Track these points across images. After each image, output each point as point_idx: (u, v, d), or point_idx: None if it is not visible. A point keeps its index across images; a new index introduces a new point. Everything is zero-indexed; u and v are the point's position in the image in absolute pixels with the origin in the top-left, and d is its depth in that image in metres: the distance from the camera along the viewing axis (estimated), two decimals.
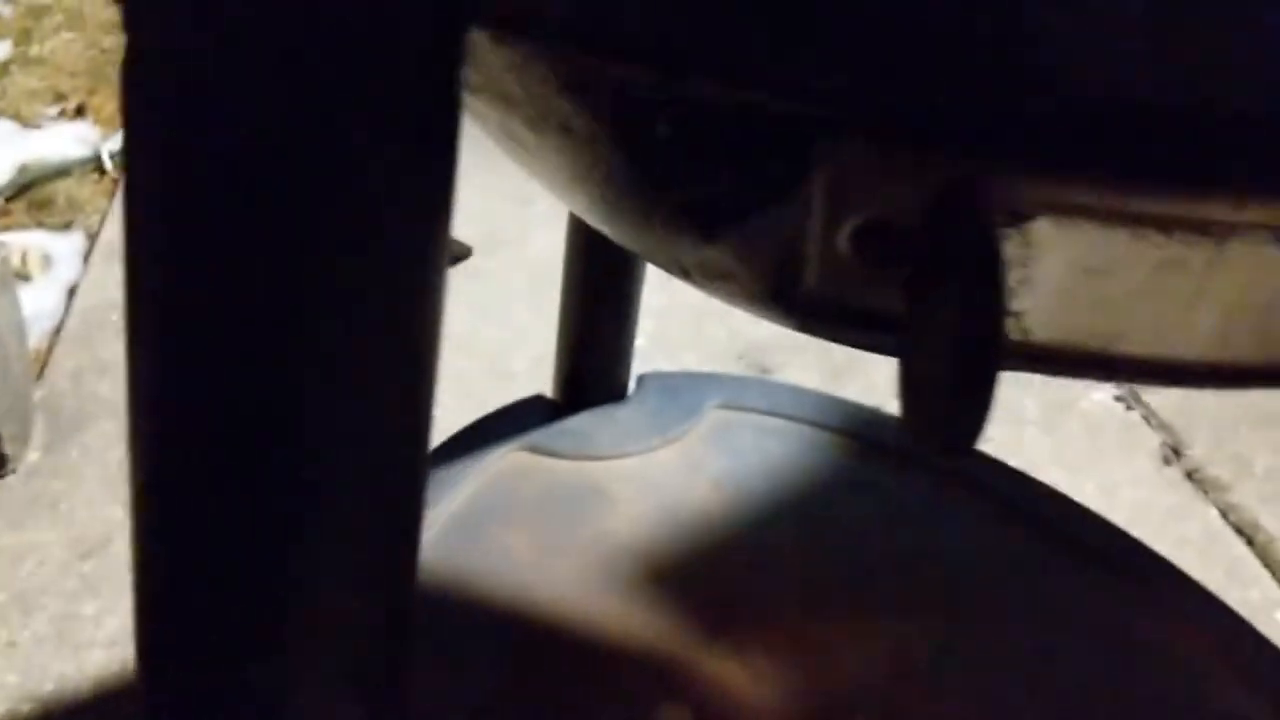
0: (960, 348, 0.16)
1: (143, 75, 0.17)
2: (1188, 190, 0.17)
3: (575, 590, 0.60)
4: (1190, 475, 0.98)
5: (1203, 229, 0.17)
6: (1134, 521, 0.89)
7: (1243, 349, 0.19)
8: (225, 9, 0.15)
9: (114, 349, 1.06)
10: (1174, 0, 0.16)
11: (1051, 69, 0.16)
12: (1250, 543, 0.90)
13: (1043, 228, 0.18)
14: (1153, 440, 1.02)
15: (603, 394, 0.73)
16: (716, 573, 0.62)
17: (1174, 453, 1.00)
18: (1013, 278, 0.18)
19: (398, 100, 0.17)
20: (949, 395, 0.17)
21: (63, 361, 1.06)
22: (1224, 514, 0.93)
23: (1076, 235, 0.18)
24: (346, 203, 0.17)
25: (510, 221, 1.35)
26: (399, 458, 0.21)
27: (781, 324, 0.25)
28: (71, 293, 1.18)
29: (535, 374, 1.04)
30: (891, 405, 1.03)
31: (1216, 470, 0.98)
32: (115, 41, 1.72)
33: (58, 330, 1.11)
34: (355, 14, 0.16)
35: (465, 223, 1.35)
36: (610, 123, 0.21)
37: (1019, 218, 0.18)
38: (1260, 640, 0.60)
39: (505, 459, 0.68)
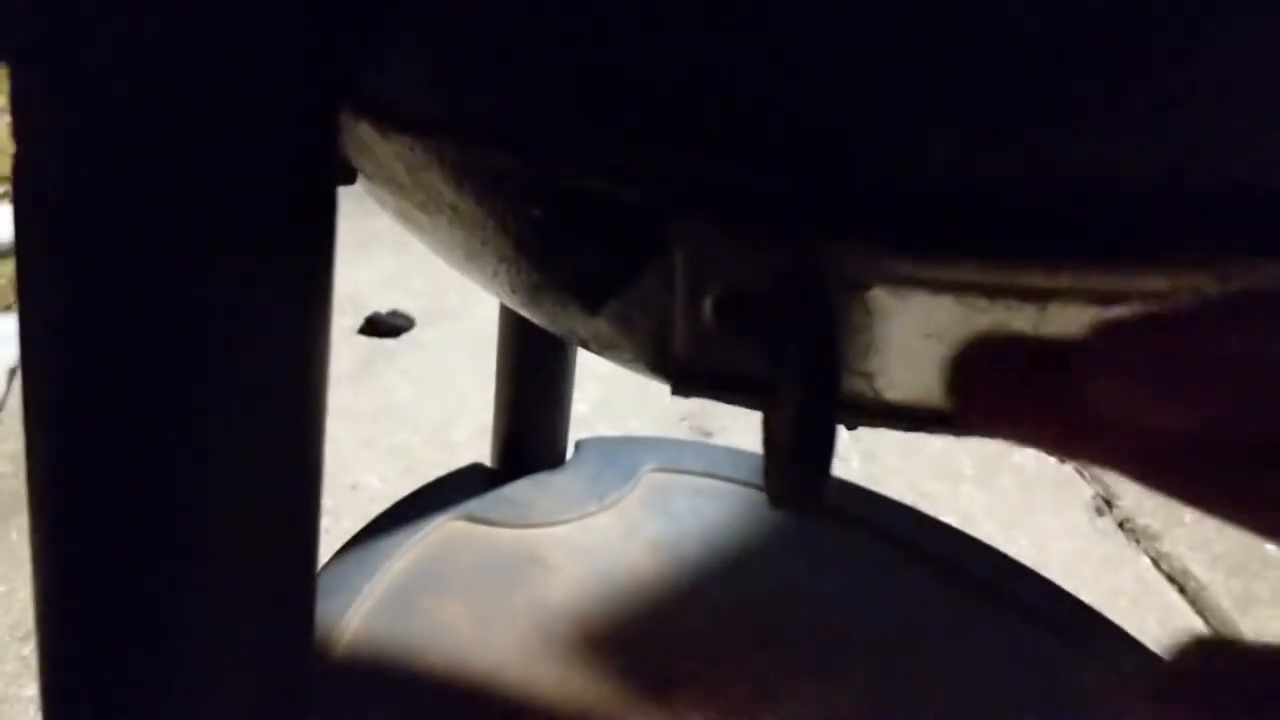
0: (800, 409, 0.18)
1: (26, 172, 0.18)
2: (1004, 261, 0.18)
3: (513, 658, 0.60)
4: (1122, 525, 1.00)
5: (1023, 294, 0.19)
6: (1068, 571, 0.91)
7: None
8: (99, 102, 0.17)
9: None
10: (985, 87, 0.18)
11: (873, 157, 0.18)
12: (1182, 590, 0.92)
13: (881, 296, 0.19)
14: (1085, 492, 1.04)
15: (541, 461, 0.74)
16: (653, 636, 0.62)
17: (1106, 504, 1.02)
18: (860, 342, 0.20)
19: (270, 186, 0.18)
20: (793, 452, 0.18)
21: (3, 443, 1.06)
22: (1155, 562, 0.95)
23: (912, 302, 0.19)
24: (222, 289, 0.18)
25: (452, 293, 1.36)
26: (288, 537, 0.22)
27: (670, 390, 0.27)
28: (13, 374, 1.17)
29: (477, 443, 1.05)
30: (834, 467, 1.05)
31: (1147, 520, 1.00)
32: None
33: None
34: (229, 103, 0.18)
35: (408, 295, 1.36)
36: (490, 208, 0.23)
37: (857, 287, 0.19)
38: None
39: (442, 529, 0.68)
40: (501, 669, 0.59)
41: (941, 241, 0.19)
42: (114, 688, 0.22)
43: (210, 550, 0.21)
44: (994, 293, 0.19)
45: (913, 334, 0.20)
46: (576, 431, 0.74)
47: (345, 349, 1.25)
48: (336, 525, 0.92)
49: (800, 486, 0.18)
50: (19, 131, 0.17)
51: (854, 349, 0.20)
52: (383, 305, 1.33)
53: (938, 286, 0.19)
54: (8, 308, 1.30)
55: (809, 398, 0.18)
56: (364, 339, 1.28)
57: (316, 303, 0.20)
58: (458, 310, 1.33)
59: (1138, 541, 0.98)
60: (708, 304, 0.21)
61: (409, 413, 1.12)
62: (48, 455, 0.21)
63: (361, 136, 0.23)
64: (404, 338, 1.28)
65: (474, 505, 0.70)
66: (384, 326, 1.28)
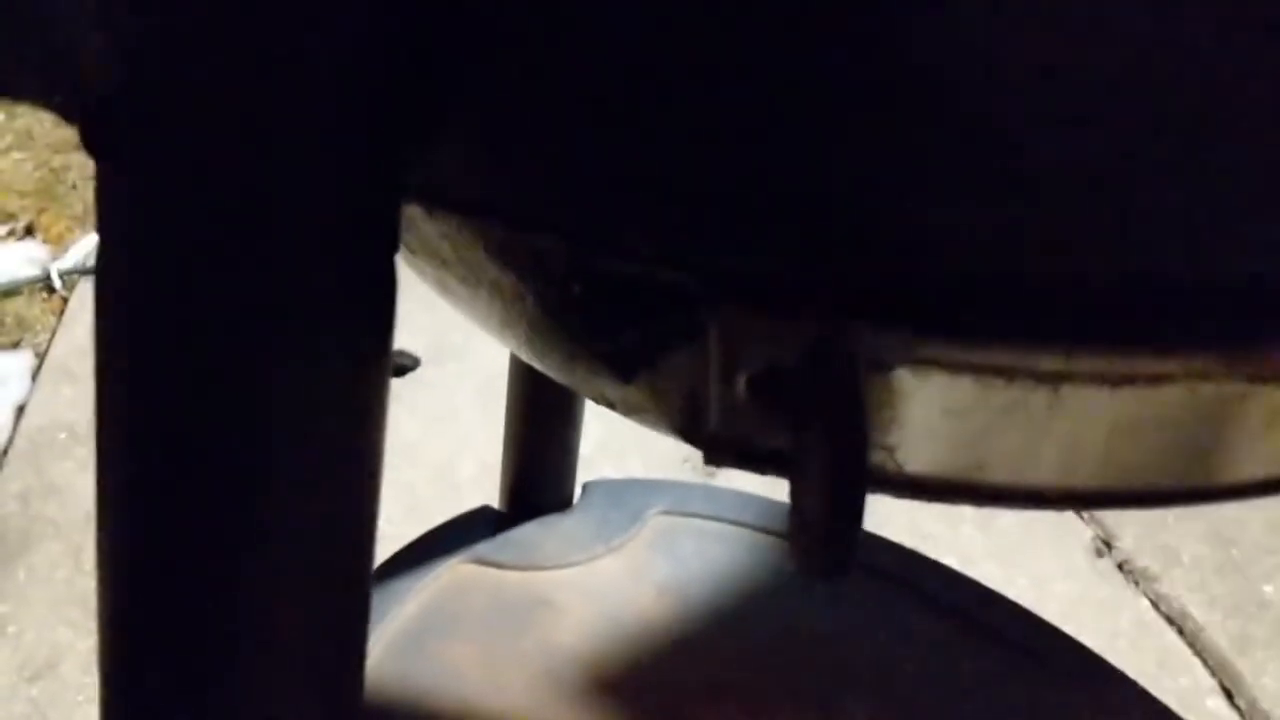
0: (830, 481, 0.19)
1: (111, 268, 0.19)
2: (1018, 345, 0.20)
3: (522, 702, 0.61)
4: (1121, 567, 1.01)
5: (1038, 377, 0.20)
6: (1067, 613, 0.91)
7: (1086, 477, 0.22)
8: (185, 207, 0.18)
9: (62, 469, 1.07)
10: (1003, 179, 0.19)
11: (893, 247, 0.19)
12: (1180, 631, 0.93)
13: (903, 375, 0.20)
14: (1084, 534, 1.05)
15: (548, 503, 0.74)
16: (661, 679, 0.63)
17: (1105, 545, 1.03)
18: (883, 418, 0.21)
19: (342, 275, 0.19)
20: (823, 523, 0.19)
21: (9, 483, 1.06)
22: (1154, 604, 0.96)
23: (932, 382, 0.21)
24: (297, 370, 0.19)
25: (457, 333, 1.37)
26: (344, 574, 0.23)
27: (703, 460, 0.28)
28: (19, 412, 1.18)
29: (482, 482, 1.06)
30: None
31: (1146, 561, 1.01)
32: (64, 161, 1.74)
33: (5, 451, 1.11)
34: (304, 197, 0.19)
35: (413, 334, 1.37)
36: (531, 283, 0.24)
37: (883, 367, 0.20)
38: None
39: (451, 572, 0.69)
40: (511, 712, 0.60)
41: (958, 326, 0.20)
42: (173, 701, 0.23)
43: (272, 583, 0.22)
44: (1009, 374, 0.20)
45: (934, 411, 0.21)
46: (579, 472, 0.75)
47: None
48: None
49: (829, 557, 0.19)
50: (103, 228, 0.19)
51: (878, 424, 0.21)
52: None
53: (955, 367, 0.20)
54: (15, 345, 1.31)
55: (837, 473, 0.19)
56: None
57: (376, 376, 0.22)
58: (462, 349, 1.34)
59: (1136, 583, 0.99)
60: (740, 380, 0.22)
61: (414, 452, 1.13)
62: (119, 512, 0.22)
63: (408, 214, 0.24)
64: (409, 377, 1.30)
65: (482, 548, 0.71)
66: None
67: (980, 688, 0.64)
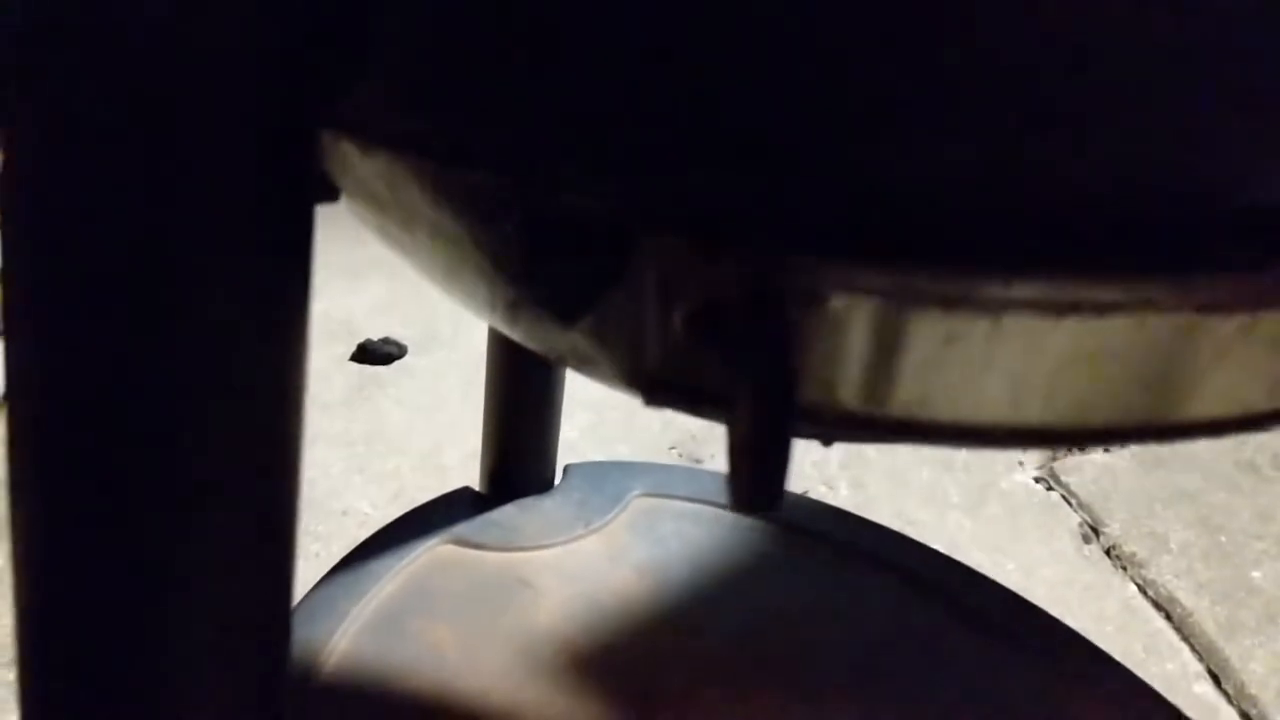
0: (758, 415, 0.18)
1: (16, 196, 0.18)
2: (957, 273, 0.19)
3: (501, 681, 0.60)
4: (1109, 552, 1.00)
5: (979, 306, 0.20)
6: (1055, 599, 0.91)
7: (1031, 413, 0.22)
8: (81, 120, 0.17)
9: None
10: (940, 94, 0.19)
11: (826, 171, 0.19)
12: (1168, 617, 0.93)
13: (839, 307, 0.20)
14: (1072, 519, 1.05)
15: (529, 485, 0.74)
16: (641, 660, 0.62)
17: (1093, 531, 1.02)
18: (821, 353, 0.21)
19: (249, 206, 0.19)
20: (753, 458, 0.19)
21: None
22: (1142, 589, 0.95)
23: (870, 314, 0.20)
24: (198, 301, 0.19)
25: (443, 321, 1.37)
26: (267, 558, 0.23)
27: (643, 402, 0.27)
28: None
29: (468, 469, 1.05)
30: (815, 491, 1.06)
31: (1133, 547, 1.01)
32: None
33: None
34: (208, 121, 0.18)
35: (400, 323, 1.37)
36: (468, 224, 0.23)
37: (819, 299, 0.20)
38: (1177, 716, 0.61)
39: (430, 552, 0.68)
40: (488, 692, 0.59)
41: (895, 251, 0.19)
42: (91, 707, 0.23)
43: (186, 561, 0.21)
44: (948, 304, 0.20)
45: (872, 345, 0.20)
46: (565, 458, 0.75)
47: (337, 376, 1.26)
48: (326, 550, 0.92)
49: (758, 492, 0.19)
50: (7, 148, 0.18)
51: (816, 360, 0.21)
52: (375, 333, 1.34)
53: (893, 297, 0.20)
54: None
55: (766, 406, 0.19)
56: (356, 366, 1.28)
57: (294, 318, 0.21)
58: (449, 338, 1.34)
59: (1124, 568, 0.98)
60: (676, 317, 0.21)
61: (400, 439, 1.13)
62: (28, 462, 0.21)
63: (344, 154, 0.24)
64: (396, 365, 1.29)
65: (462, 529, 0.70)
66: (376, 354, 1.29)
67: (964, 668, 0.63)
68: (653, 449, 1.14)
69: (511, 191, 0.21)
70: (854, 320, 0.20)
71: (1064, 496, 1.08)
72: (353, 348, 1.31)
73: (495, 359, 0.70)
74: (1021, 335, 0.20)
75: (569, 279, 0.22)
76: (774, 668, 0.63)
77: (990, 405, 0.21)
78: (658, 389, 0.23)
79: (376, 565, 0.67)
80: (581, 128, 0.20)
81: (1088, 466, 1.12)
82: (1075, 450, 1.13)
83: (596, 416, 1.17)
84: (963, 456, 1.10)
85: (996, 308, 0.20)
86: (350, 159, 0.24)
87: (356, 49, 0.20)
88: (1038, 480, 1.10)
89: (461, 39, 0.21)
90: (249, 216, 0.19)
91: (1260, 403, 0.23)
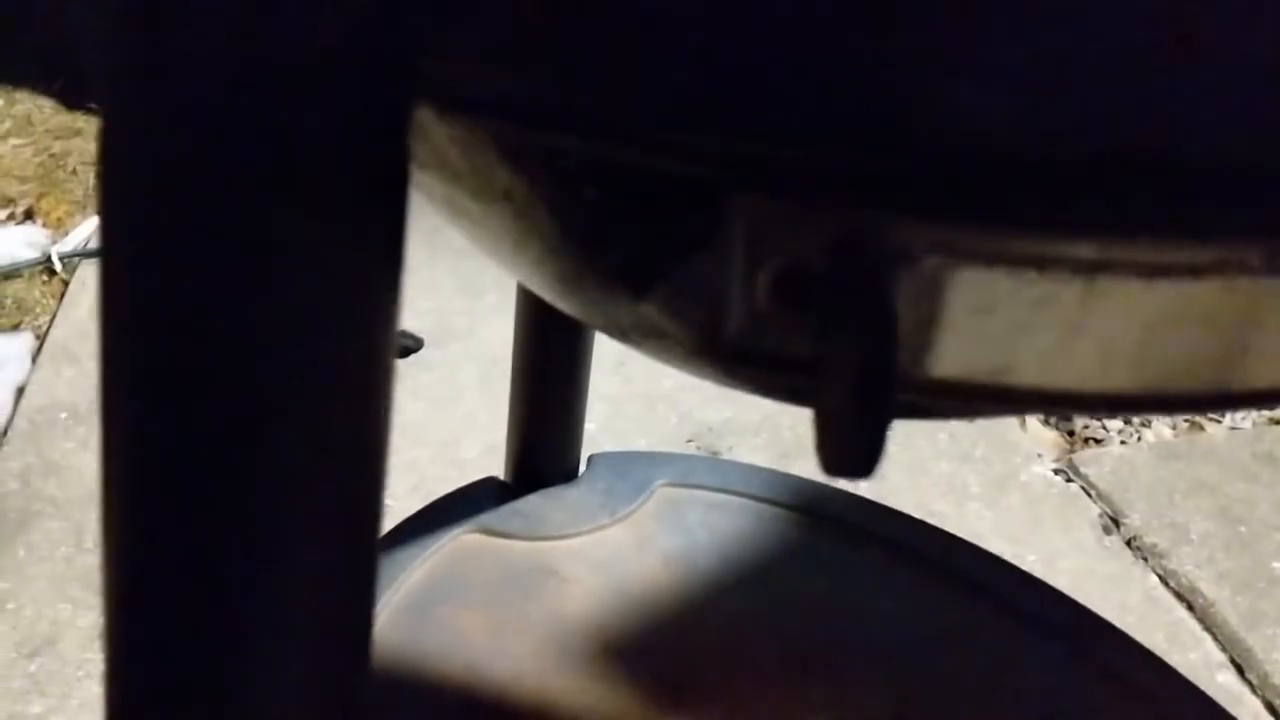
0: (857, 381, 0.18)
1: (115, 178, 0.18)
2: (1051, 233, 0.19)
3: (528, 670, 0.60)
4: (1129, 543, 1.00)
5: (1072, 267, 0.20)
6: (1076, 589, 0.91)
7: (1121, 379, 0.21)
8: (185, 107, 0.17)
9: (61, 449, 1.06)
10: (1044, 59, 0.18)
11: (924, 129, 0.18)
12: (1190, 607, 0.93)
13: (932, 269, 0.20)
14: (1092, 510, 1.05)
15: (554, 475, 0.74)
16: (668, 649, 0.62)
17: (1113, 522, 1.02)
18: (911, 316, 0.21)
19: (349, 183, 0.19)
20: (850, 425, 0.18)
21: (10, 461, 1.06)
22: (1163, 580, 0.95)
23: (961, 275, 0.20)
24: (301, 289, 0.19)
25: (461, 314, 1.37)
26: (352, 544, 0.22)
27: (714, 379, 0.27)
28: (19, 393, 1.18)
29: (486, 462, 1.05)
30: (839, 481, 1.05)
31: (1154, 538, 1.00)
32: (64, 147, 1.74)
33: (5, 431, 1.11)
34: (308, 102, 0.18)
35: (416, 315, 1.37)
36: (545, 191, 0.23)
37: (910, 260, 0.20)
38: (1206, 702, 0.61)
39: (457, 541, 0.68)
40: (518, 679, 0.59)
41: (992, 212, 0.19)
42: (179, 669, 0.22)
43: (275, 530, 0.21)
44: (1041, 264, 0.20)
45: (963, 308, 0.20)
46: (583, 451, 0.74)
47: None
48: None
49: (860, 453, 0.19)
50: (106, 109, 0.18)
51: (905, 323, 0.21)
52: None
53: (989, 259, 0.20)
54: (15, 327, 1.31)
55: (866, 368, 0.18)
56: None
57: (385, 305, 0.21)
58: (465, 331, 1.34)
59: (1145, 559, 0.98)
60: (761, 281, 0.21)
61: (418, 431, 1.13)
62: (119, 460, 0.21)
63: (419, 121, 0.24)
64: (412, 358, 1.29)
65: (488, 518, 0.70)
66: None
67: (993, 657, 0.63)
68: (670, 442, 1.14)
69: (594, 155, 0.21)
70: (947, 282, 0.20)
71: (1083, 488, 1.08)
72: None
73: (521, 348, 0.70)
74: (1114, 297, 0.20)
75: (650, 245, 0.22)
76: (801, 656, 0.63)
77: (1078, 371, 0.21)
78: (738, 359, 0.23)
79: (403, 554, 0.67)
80: (668, 87, 0.20)
81: (1106, 458, 1.11)
82: (1093, 442, 1.13)
83: (614, 409, 1.17)
84: (981, 449, 1.10)
85: (1089, 269, 0.20)
86: (426, 125, 0.24)
87: (441, 10, 0.20)
88: (1057, 472, 1.10)
89: (546, 1, 0.20)
90: (349, 192, 0.19)
91: None
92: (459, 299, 1.37)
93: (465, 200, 0.26)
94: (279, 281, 0.19)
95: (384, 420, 0.22)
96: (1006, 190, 0.19)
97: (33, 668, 0.84)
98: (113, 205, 0.19)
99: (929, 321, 0.20)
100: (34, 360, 1.24)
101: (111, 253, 0.19)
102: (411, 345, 1.30)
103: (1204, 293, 0.20)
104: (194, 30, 0.17)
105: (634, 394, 1.16)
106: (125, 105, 0.18)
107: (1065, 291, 0.20)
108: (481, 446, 1.11)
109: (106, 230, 0.19)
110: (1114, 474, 1.09)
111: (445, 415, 1.16)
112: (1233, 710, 0.62)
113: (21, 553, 0.95)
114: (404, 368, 1.27)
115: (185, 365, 0.19)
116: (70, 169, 1.69)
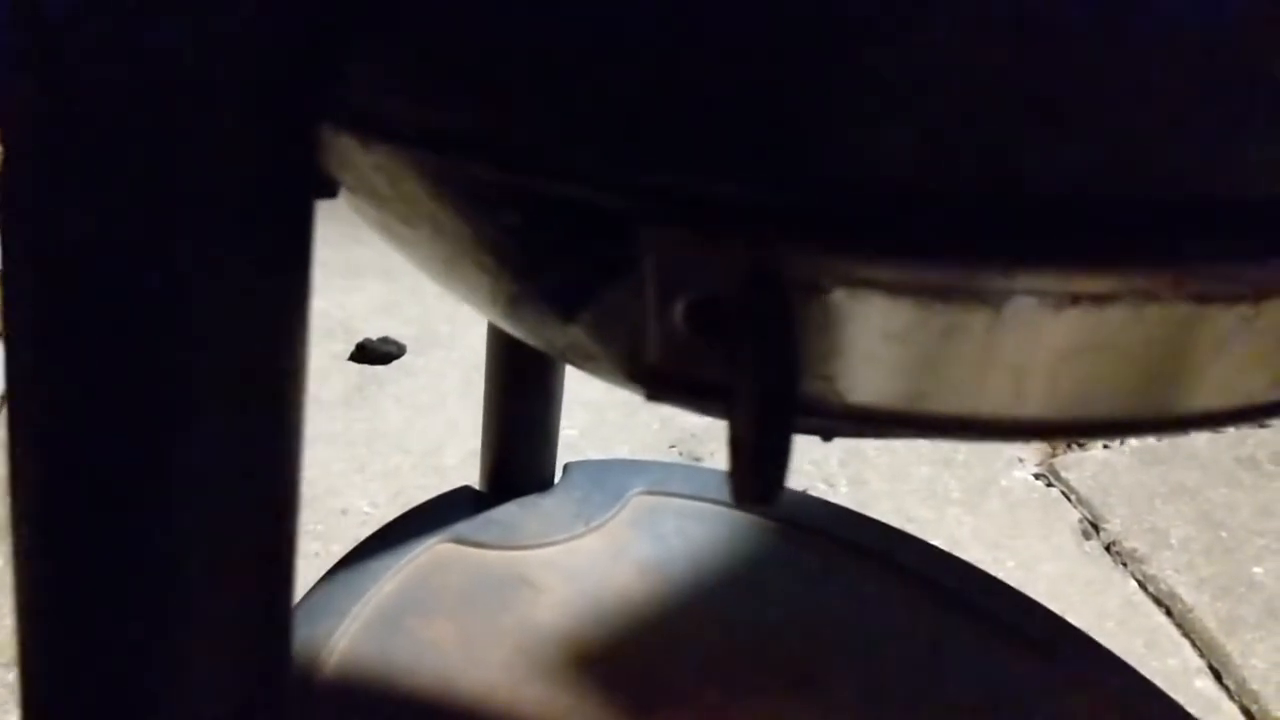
0: (757, 409, 0.18)
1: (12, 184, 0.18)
2: (956, 263, 0.19)
3: (501, 679, 0.60)
4: (1109, 548, 1.00)
5: (978, 297, 0.20)
6: (1055, 594, 0.91)
7: (1033, 406, 0.21)
8: (80, 116, 0.17)
9: None
10: (939, 90, 0.19)
11: (829, 163, 0.19)
12: (1169, 612, 0.93)
13: (839, 299, 0.20)
14: (1072, 515, 1.05)
15: (529, 483, 0.74)
16: (642, 657, 0.62)
17: (1093, 527, 1.03)
18: (821, 345, 0.21)
19: (250, 201, 0.19)
20: (753, 452, 0.19)
21: None
22: (1142, 585, 0.95)
23: (870, 305, 0.20)
24: (200, 305, 0.19)
25: (442, 320, 1.37)
26: (265, 551, 0.22)
27: (644, 396, 0.27)
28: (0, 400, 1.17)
29: (467, 468, 1.05)
30: (815, 488, 1.06)
31: (1134, 543, 1.01)
32: None
33: None
34: (207, 117, 0.18)
35: (399, 322, 1.37)
36: (468, 217, 0.23)
37: (818, 290, 0.20)
38: (1176, 710, 0.61)
39: (430, 551, 0.68)
40: (489, 690, 0.59)
41: (896, 243, 0.19)
42: (93, 697, 0.22)
43: (184, 559, 0.21)
44: (948, 295, 0.20)
45: (873, 336, 0.20)
46: (565, 457, 0.75)
47: (336, 375, 1.26)
48: (326, 550, 0.92)
49: (758, 484, 0.19)
50: (5, 138, 0.18)
51: (816, 352, 0.21)
52: (374, 332, 1.34)
53: (894, 289, 0.20)
54: None
55: (767, 398, 0.19)
56: (355, 365, 1.28)
57: (294, 315, 0.21)
58: (448, 338, 1.34)
59: (1125, 564, 0.98)
60: (676, 309, 0.21)
61: (400, 438, 1.13)
62: (27, 462, 0.21)
63: (343, 149, 0.24)
64: (395, 364, 1.29)
65: (462, 527, 0.70)
66: (375, 353, 1.29)
67: (966, 665, 0.63)
68: (653, 448, 1.14)
69: (512, 184, 0.21)
70: (853, 312, 0.20)
71: (1064, 493, 1.08)
72: (351, 347, 1.31)
73: (495, 357, 0.70)
74: (1022, 327, 0.20)
75: (569, 272, 0.22)
76: (775, 665, 0.63)
77: (990, 398, 0.21)
78: (658, 383, 0.23)
79: (376, 564, 0.67)
80: (582, 120, 0.20)
81: (1088, 463, 1.12)
82: (1075, 446, 1.13)
83: (596, 416, 1.17)
84: (962, 453, 1.10)
85: (997, 299, 0.20)
86: (350, 153, 0.24)
87: (353, 39, 0.20)
88: (1037, 477, 1.10)
89: (459, 30, 0.21)
90: (249, 211, 0.19)
91: (1262, 394, 0.23)
92: (442, 305, 1.37)
93: (396, 225, 0.26)
94: (181, 292, 0.19)
95: (294, 430, 0.22)
96: (908, 221, 0.19)
97: (10, 677, 0.84)
98: (10, 217, 0.19)
99: (840, 351, 0.21)
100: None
101: (10, 258, 0.19)
102: (394, 351, 1.30)
103: (1111, 320, 0.20)
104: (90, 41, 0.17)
105: (616, 400, 1.16)
106: (22, 117, 0.18)
107: (973, 320, 0.20)
108: (464, 454, 1.11)
109: (7, 229, 0.19)
110: (1095, 479, 1.10)
111: (427, 422, 1.16)
112: (1210, 716, 0.62)
113: (0, 562, 0.95)
114: (386, 374, 1.27)
115: (85, 380, 0.19)
116: None
